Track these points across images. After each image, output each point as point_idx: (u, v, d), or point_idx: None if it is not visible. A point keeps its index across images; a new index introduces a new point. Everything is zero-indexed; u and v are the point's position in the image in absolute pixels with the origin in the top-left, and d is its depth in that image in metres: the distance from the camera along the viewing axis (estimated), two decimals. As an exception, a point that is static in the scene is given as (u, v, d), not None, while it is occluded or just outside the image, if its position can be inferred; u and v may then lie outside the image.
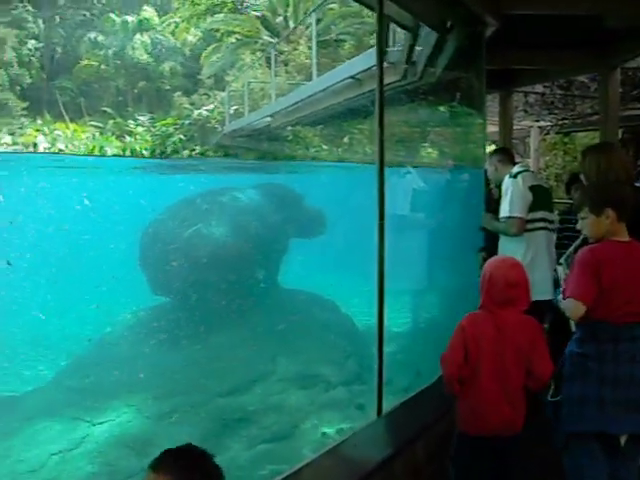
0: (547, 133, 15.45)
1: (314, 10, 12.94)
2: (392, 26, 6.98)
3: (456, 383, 3.43)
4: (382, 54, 4.17)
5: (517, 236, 4.78)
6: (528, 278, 3.45)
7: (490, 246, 5.18)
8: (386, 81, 8.27)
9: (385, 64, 7.84)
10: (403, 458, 4.03)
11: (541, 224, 4.77)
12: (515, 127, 14.85)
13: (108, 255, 7.31)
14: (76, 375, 6.17)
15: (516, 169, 4.93)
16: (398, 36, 7.57)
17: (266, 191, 8.56)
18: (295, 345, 6.37)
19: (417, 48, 7.17)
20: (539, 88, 11.07)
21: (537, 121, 14.54)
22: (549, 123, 14.62)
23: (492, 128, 11.21)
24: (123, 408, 5.46)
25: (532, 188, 4.74)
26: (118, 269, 7.05)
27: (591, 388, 3.11)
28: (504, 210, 4.77)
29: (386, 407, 4.63)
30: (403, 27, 6.38)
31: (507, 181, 4.84)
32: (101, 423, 5.31)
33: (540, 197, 4.79)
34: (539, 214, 4.76)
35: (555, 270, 4.17)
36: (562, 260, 3.60)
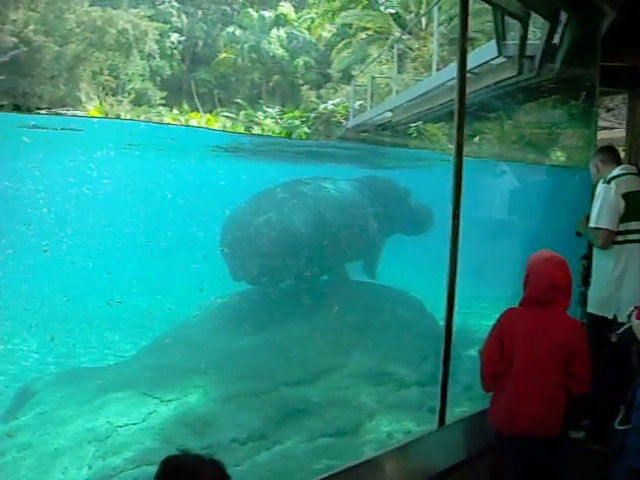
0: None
1: (436, 3, 12.71)
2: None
3: (490, 379, 3.42)
4: (465, 48, 3.92)
5: (604, 249, 4.38)
6: (572, 279, 3.32)
7: (591, 255, 4.77)
8: (502, 76, 8.02)
9: (501, 58, 7.54)
10: (461, 474, 3.88)
11: (635, 236, 4.29)
12: (648, 132, 13.93)
13: (209, 238, 7.44)
14: (155, 353, 6.34)
15: (614, 172, 4.49)
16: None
17: (364, 184, 8.39)
18: (372, 341, 6.23)
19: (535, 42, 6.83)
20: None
21: (672, 125, 13.49)
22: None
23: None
24: (191, 388, 5.53)
25: (627, 195, 4.28)
26: (212, 253, 7.19)
27: None
28: (592, 219, 4.38)
29: (462, 413, 4.44)
30: (512, 16, 6.02)
31: (599, 186, 4.44)
32: (169, 401, 5.40)
33: (637, 206, 4.32)
34: (633, 225, 4.29)
35: None
36: None
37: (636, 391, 2.89)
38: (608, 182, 4.38)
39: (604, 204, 4.30)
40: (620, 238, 4.30)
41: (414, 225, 8.56)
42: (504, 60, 7.57)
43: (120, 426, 5.09)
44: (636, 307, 2.85)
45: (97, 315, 7.44)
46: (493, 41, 7.30)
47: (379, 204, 8.03)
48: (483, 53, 8.07)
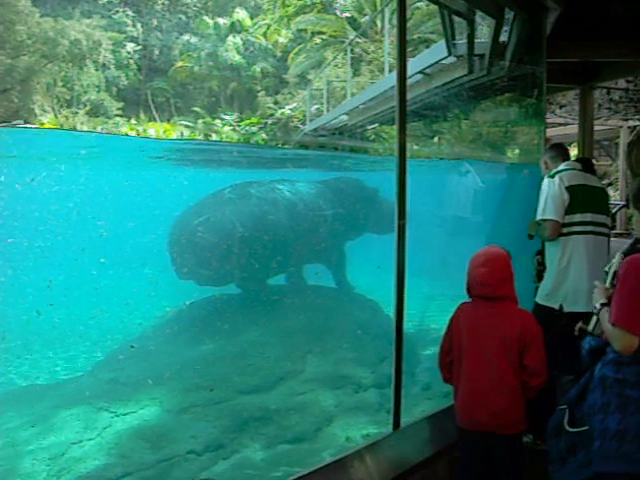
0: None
1: (386, 5, 12.77)
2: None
3: (445, 370, 3.49)
4: (404, 45, 3.89)
5: (551, 240, 4.43)
6: (507, 273, 3.36)
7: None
8: (453, 76, 8.05)
9: (452, 58, 7.56)
10: (420, 476, 3.85)
11: (579, 228, 4.34)
12: (602, 127, 14.16)
13: (159, 245, 7.35)
14: (110, 367, 6.23)
15: (559, 168, 4.55)
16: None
17: (327, 185, 8.29)
18: (329, 344, 6.20)
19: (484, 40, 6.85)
20: (622, 84, 10.38)
21: (626, 120, 13.69)
22: (639, 122, 13.73)
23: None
24: (146, 401, 5.42)
25: (570, 188, 4.33)
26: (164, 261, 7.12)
27: (631, 420, 2.61)
28: (538, 212, 4.43)
29: (422, 413, 4.41)
30: (459, 15, 6.04)
31: (544, 181, 4.50)
32: (125, 415, 5.29)
33: (582, 198, 4.35)
34: (578, 217, 4.33)
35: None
36: (606, 268, 2.92)
37: (583, 390, 2.85)
38: (552, 176, 4.44)
39: (549, 197, 4.35)
40: (565, 230, 4.34)
41: (385, 224, 8.44)
42: (454, 59, 7.58)
43: (74, 443, 4.96)
44: (602, 304, 2.77)
45: (48, 330, 7.32)
46: (443, 41, 7.31)
47: (342, 205, 7.93)
48: (434, 53, 8.06)
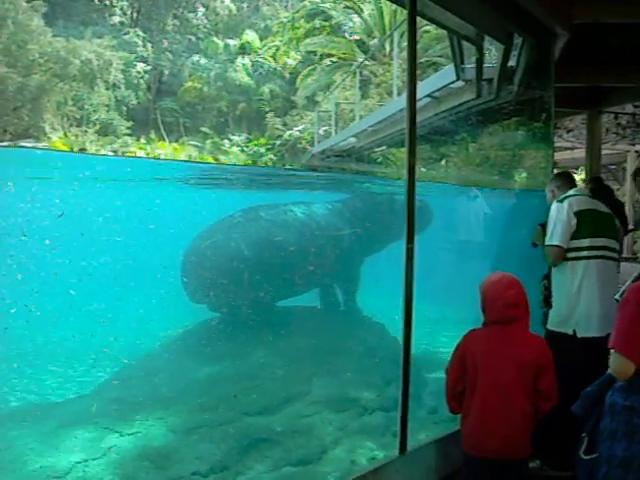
0: (645, 158, 14.51)
1: (396, 28, 12.88)
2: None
3: (452, 399, 3.42)
4: (414, 68, 3.90)
5: (555, 266, 4.43)
6: (526, 296, 3.35)
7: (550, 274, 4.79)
8: (462, 99, 8.09)
9: (460, 82, 7.60)
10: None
11: (589, 252, 4.33)
12: (609, 151, 14.16)
13: (172, 267, 7.36)
14: (116, 386, 6.21)
15: (568, 193, 4.56)
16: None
17: (344, 205, 8.21)
18: (335, 367, 6.17)
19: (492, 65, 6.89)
20: (629, 108, 10.42)
21: (633, 145, 13.72)
22: (646, 147, 13.77)
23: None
24: (151, 421, 5.39)
25: (579, 213, 4.33)
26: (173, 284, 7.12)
27: (637, 448, 2.59)
28: (547, 237, 4.44)
29: (428, 437, 4.38)
30: (467, 40, 6.09)
31: (553, 205, 4.50)
32: (130, 435, 5.26)
33: (590, 223, 4.36)
34: (587, 241, 4.33)
35: None
36: (617, 296, 2.93)
37: (597, 418, 2.83)
38: (561, 201, 4.44)
39: (557, 222, 4.35)
40: (573, 254, 4.33)
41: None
42: (463, 84, 7.63)
43: (79, 462, 4.94)
44: None
45: (56, 349, 7.32)
46: (452, 65, 7.36)
47: (359, 225, 7.81)
48: (443, 77, 8.12)
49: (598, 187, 6.50)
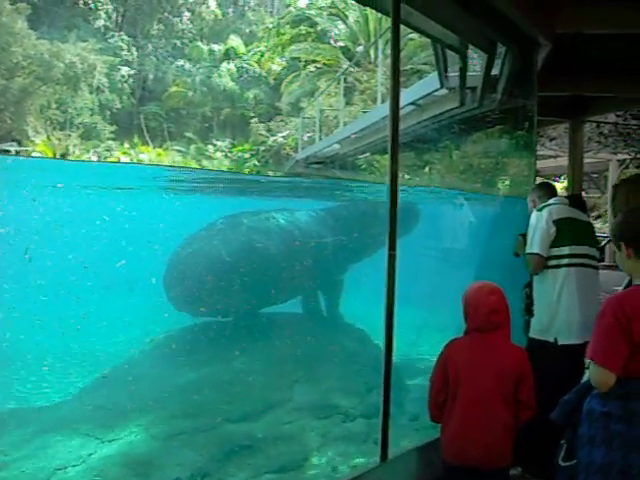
0: (626, 167, 14.62)
1: (380, 36, 12.93)
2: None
3: (434, 408, 3.42)
4: (398, 75, 3.91)
5: (536, 274, 4.47)
6: (508, 304, 3.36)
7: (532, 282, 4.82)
8: (445, 107, 8.13)
9: (444, 90, 7.63)
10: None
11: (569, 260, 4.36)
12: (592, 160, 14.29)
13: (155, 274, 7.31)
14: (96, 392, 6.15)
15: (548, 202, 4.60)
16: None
17: (329, 213, 8.17)
18: (316, 373, 6.15)
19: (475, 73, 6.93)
20: (612, 118, 10.52)
21: (615, 154, 13.84)
22: (628, 156, 13.86)
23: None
24: (132, 427, 5.34)
25: (558, 222, 4.37)
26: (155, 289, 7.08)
27: (616, 454, 2.59)
28: (527, 245, 4.48)
29: (409, 444, 4.37)
30: (451, 48, 6.12)
31: (533, 214, 4.55)
32: (110, 441, 5.20)
33: (570, 231, 4.39)
34: (567, 249, 4.36)
35: None
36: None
37: (575, 424, 2.83)
38: (540, 210, 4.48)
39: (537, 230, 4.39)
40: (554, 262, 4.36)
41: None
42: (447, 92, 7.66)
43: (59, 469, 4.88)
44: None
45: (36, 355, 7.24)
46: (435, 73, 7.40)
47: (343, 233, 7.74)
48: (426, 85, 8.15)
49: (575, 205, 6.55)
